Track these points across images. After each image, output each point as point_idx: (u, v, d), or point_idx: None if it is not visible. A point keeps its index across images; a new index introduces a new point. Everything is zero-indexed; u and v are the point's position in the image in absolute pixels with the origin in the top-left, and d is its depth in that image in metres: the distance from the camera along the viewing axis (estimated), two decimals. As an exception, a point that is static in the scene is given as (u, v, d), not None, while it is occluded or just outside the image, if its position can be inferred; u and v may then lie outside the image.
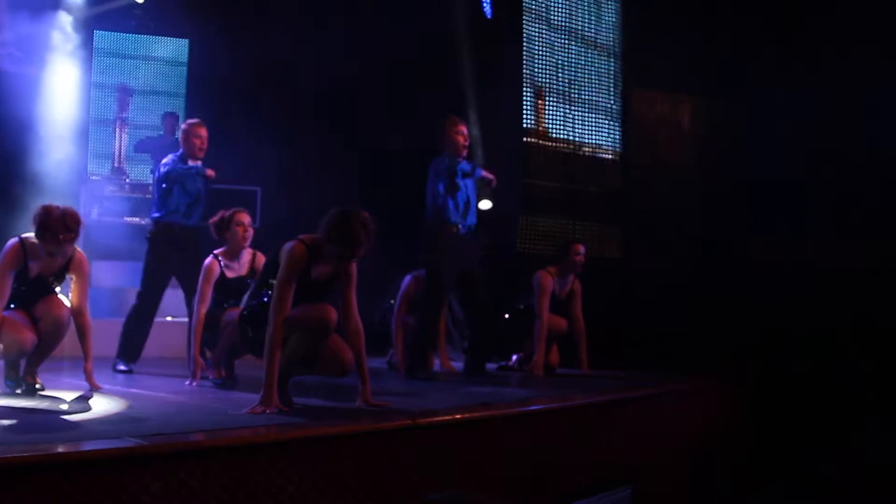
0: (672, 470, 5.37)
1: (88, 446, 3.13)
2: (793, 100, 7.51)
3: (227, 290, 5.28)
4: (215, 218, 5.42)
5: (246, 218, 5.39)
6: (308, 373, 4.37)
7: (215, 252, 5.36)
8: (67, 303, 4.54)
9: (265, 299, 4.21)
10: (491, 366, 6.57)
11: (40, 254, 4.43)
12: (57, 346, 4.58)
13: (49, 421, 3.83)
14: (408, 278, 6.43)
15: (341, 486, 3.49)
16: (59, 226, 4.29)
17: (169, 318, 7.13)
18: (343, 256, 4.15)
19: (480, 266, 6.10)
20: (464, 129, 5.99)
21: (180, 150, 6.01)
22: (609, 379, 6.01)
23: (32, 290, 4.50)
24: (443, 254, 5.86)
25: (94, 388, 4.44)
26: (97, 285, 6.80)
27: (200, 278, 5.24)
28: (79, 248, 4.57)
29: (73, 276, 4.54)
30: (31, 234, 4.42)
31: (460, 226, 5.90)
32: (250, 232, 5.40)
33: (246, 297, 4.45)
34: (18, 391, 4.49)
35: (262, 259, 5.24)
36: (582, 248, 6.29)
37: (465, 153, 5.98)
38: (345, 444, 3.56)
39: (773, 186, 7.54)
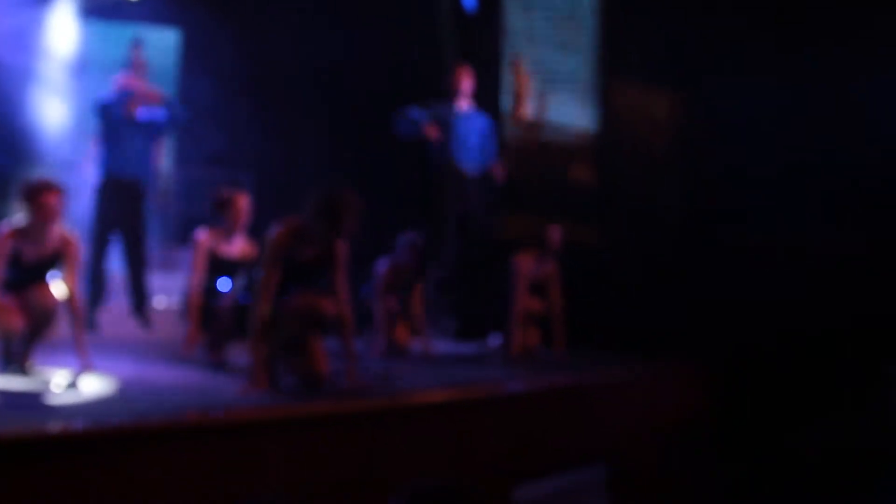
0: (647, 450, 5.47)
1: (80, 425, 3.15)
2: (790, 92, 7.51)
3: (217, 268, 5.27)
4: (216, 196, 5.44)
5: (246, 201, 5.42)
6: (287, 369, 4.40)
7: (207, 227, 5.36)
8: (58, 290, 4.58)
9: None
10: (470, 348, 6.64)
11: (31, 239, 4.47)
12: (47, 332, 4.61)
13: (41, 401, 3.86)
14: (384, 265, 6.17)
15: (327, 466, 3.53)
16: (44, 191, 4.40)
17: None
18: (328, 236, 4.19)
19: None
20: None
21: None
22: (585, 362, 6.08)
23: (24, 277, 4.52)
24: None
25: (86, 369, 4.48)
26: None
27: (191, 251, 5.28)
28: (67, 229, 4.60)
29: (65, 259, 4.57)
30: (19, 219, 4.46)
31: None
32: (248, 216, 5.42)
33: (240, 281, 4.49)
34: (11, 372, 4.52)
35: (254, 245, 5.25)
36: (557, 232, 6.31)
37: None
38: (331, 425, 3.61)
39: (767, 177, 7.56)
